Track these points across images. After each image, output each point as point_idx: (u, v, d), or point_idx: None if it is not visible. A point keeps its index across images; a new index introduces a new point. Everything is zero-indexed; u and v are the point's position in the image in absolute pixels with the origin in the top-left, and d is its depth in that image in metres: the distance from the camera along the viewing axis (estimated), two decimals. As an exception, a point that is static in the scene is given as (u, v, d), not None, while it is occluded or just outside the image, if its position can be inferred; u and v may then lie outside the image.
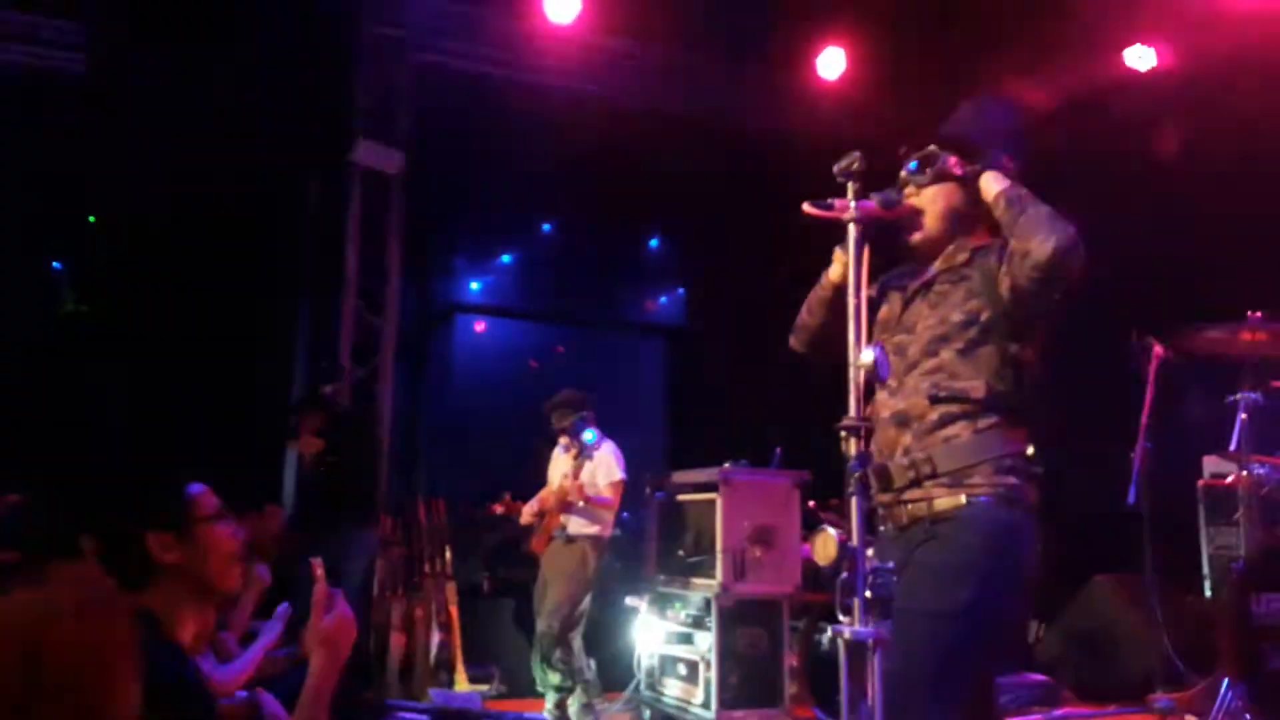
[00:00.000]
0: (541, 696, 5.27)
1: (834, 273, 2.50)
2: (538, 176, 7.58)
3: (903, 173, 2.48)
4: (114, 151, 7.13)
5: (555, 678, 5.11)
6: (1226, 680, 3.29)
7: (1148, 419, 3.95)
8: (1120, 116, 6.09)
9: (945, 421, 2.28)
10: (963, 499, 2.24)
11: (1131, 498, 3.86)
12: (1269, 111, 5.01)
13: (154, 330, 8.05)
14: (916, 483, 2.29)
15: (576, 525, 5.23)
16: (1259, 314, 3.63)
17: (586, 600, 5.21)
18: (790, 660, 4.70)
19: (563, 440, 5.47)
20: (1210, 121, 5.41)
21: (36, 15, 6.45)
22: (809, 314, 2.57)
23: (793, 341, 2.63)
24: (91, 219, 8.70)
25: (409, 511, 6.49)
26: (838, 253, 2.49)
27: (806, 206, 2.29)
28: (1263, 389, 3.61)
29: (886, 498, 2.33)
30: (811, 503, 5.30)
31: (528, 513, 5.48)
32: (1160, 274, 5.36)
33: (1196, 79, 5.70)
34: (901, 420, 2.33)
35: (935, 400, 2.29)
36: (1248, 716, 3.15)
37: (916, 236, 2.45)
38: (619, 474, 5.25)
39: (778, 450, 5.25)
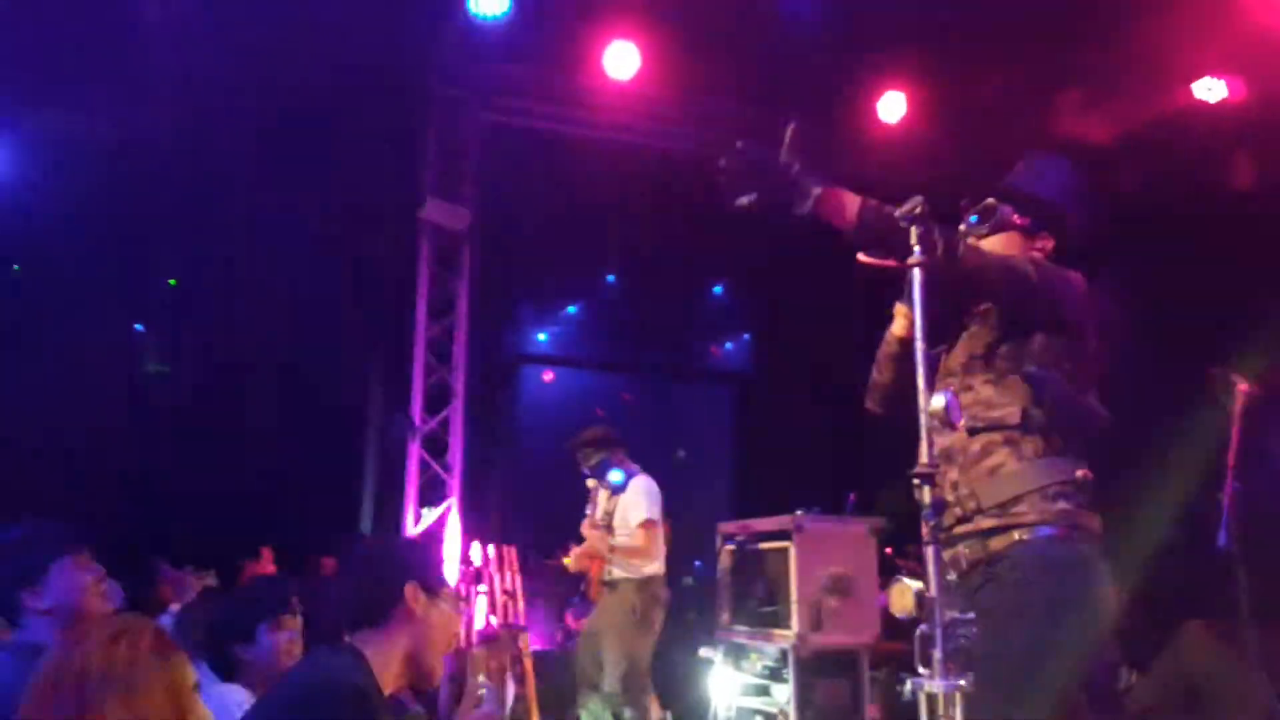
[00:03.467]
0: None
1: (897, 327, 2.54)
2: (601, 228, 7.70)
3: (962, 226, 2.53)
4: (193, 215, 7.42)
5: None
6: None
7: (1235, 457, 3.82)
8: (1193, 149, 5.98)
9: (988, 451, 2.29)
10: (1018, 535, 2.23)
11: (1222, 540, 3.72)
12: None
13: (231, 389, 8.29)
14: (965, 519, 2.29)
15: (618, 570, 5.17)
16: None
17: (646, 649, 5.09)
18: (871, 712, 4.60)
19: (590, 482, 5.41)
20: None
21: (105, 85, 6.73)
22: (879, 373, 2.61)
23: (868, 402, 2.65)
24: (172, 282, 9.03)
25: (481, 562, 6.53)
26: (899, 307, 2.51)
27: (862, 257, 2.32)
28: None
29: (939, 538, 2.31)
30: (888, 549, 5.20)
31: (576, 560, 5.42)
32: (1242, 308, 5.21)
33: (1268, 109, 5.59)
34: (946, 455, 2.34)
35: (973, 432, 2.31)
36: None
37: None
38: (646, 513, 5.11)
39: (851, 497, 5.17)
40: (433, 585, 2.11)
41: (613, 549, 5.10)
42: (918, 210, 2.29)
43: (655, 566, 5.20)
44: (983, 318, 2.40)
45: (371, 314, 8.28)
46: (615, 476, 5.24)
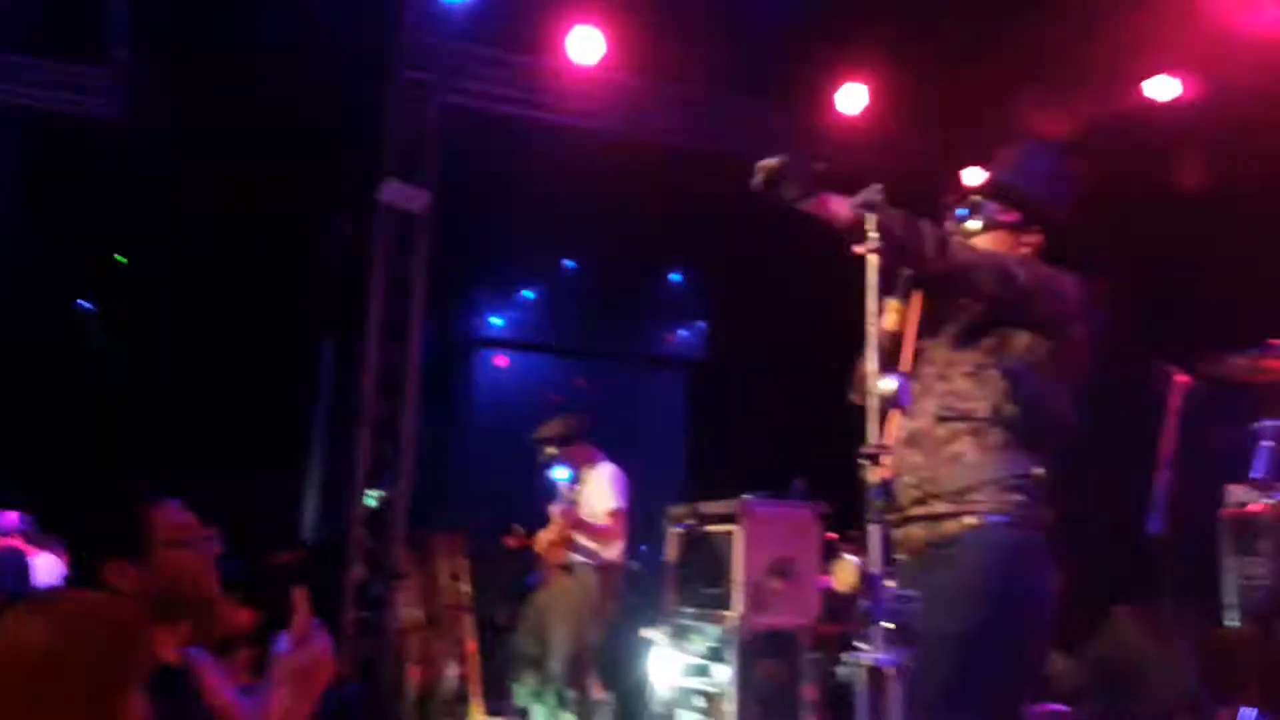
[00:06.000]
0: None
1: (888, 322, 2.50)
2: (560, 213, 7.68)
3: (948, 222, 2.55)
4: (143, 192, 7.28)
5: (569, 718, 5.06)
6: (1249, 710, 3.26)
7: (1169, 447, 3.95)
8: (1145, 146, 6.11)
9: (952, 439, 2.33)
10: (970, 520, 2.27)
11: (1153, 526, 3.85)
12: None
13: (180, 367, 8.15)
14: (921, 501, 2.33)
15: (578, 556, 5.20)
16: (1280, 342, 3.64)
17: (595, 635, 5.13)
18: (809, 692, 4.68)
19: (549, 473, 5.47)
20: (1236, 150, 5.44)
21: (67, 61, 6.62)
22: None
23: (853, 395, 2.61)
24: (120, 259, 8.86)
25: (428, 545, 6.51)
26: (890, 303, 2.50)
27: (855, 248, 2.30)
28: (1285, 416, 3.61)
29: (893, 518, 2.35)
30: (832, 534, 5.28)
31: (542, 543, 5.45)
32: (1184, 302, 5.36)
33: (1221, 108, 5.73)
34: (912, 439, 2.38)
35: (943, 419, 2.35)
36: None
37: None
38: (613, 502, 5.18)
39: (798, 482, 5.23)
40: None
41: (579, 523, 5.12)
42: (875, 199, 2.34)
43: (615, 553, 5.23)
44: (968, 311, 2.42)
45: (325, 293, 8.20)
46: (560, 474, 5.27)
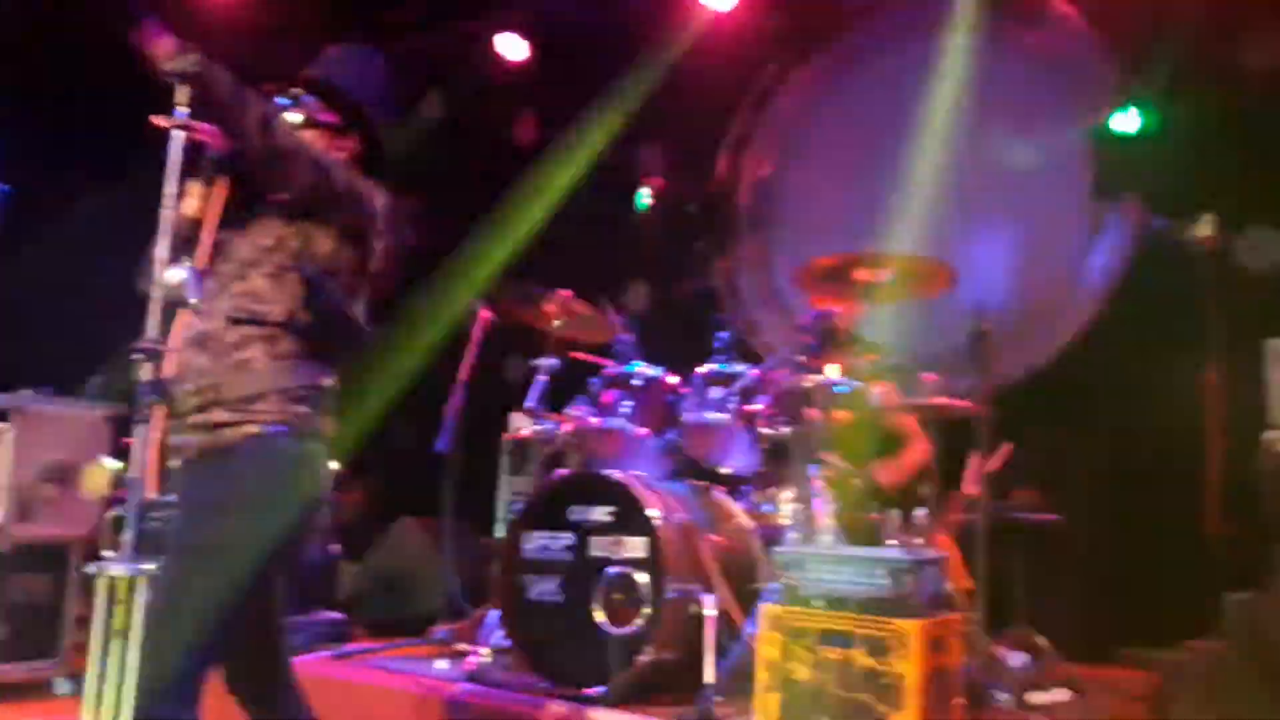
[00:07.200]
0: None
1: (189, 208, 2.29)
2: None
3: None
4: None
5: None
6: (495, 611, 3.72)
7: (466, 374, 4.34)
8: (497, 95, 6.55)
9: (243, 344, 2.23)
10: (248, 430, 2.19)
11: (442, 445, 4.22)
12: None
13: None
14: (202, 408, 2.21)
15: None
16: (567, 292, 4.19)
17: None
18: (77, 608, 4.31)
19: None
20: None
21: None
22: (164, 253, 2.35)
23: (141, 285, 2.35)
24: None
25: None
26: (193, 186, 2.29)
27: (156, 120, 2.13)
28: (560, 356, 4.15)
29: (171, 423, 2.22)
30: (129, 440, 4.88)
31: None
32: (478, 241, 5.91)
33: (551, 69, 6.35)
34: (200, 341, 2.24)
35: (235, 321, 2.24)
36: (505, 641, 3.59)
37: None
38: None
39: (95, 380, 4.75)
40: None
41: None
42: (191, 67, 2.12)
43: None
44: (277, 209, 2.30)
45: None
46: None
